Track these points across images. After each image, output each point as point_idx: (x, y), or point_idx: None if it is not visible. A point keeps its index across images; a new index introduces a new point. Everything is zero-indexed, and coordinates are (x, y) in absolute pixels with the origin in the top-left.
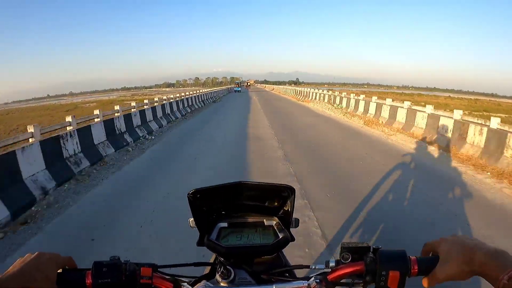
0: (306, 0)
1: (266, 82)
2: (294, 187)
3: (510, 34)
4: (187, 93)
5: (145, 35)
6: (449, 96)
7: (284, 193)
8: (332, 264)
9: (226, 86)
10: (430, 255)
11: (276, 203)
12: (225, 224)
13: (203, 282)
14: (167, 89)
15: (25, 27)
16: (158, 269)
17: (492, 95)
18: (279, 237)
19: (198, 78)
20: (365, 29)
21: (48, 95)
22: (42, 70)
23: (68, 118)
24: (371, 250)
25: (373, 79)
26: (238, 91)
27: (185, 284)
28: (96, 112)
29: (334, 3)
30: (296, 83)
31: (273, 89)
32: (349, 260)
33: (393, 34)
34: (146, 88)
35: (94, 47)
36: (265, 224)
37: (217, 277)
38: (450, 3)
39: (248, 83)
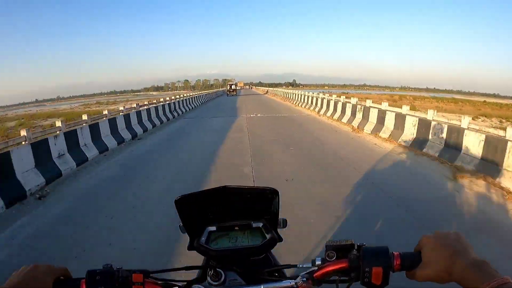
0: (302, 2)
1: (260, 84)
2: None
3: (511, 33)
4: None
5: (137, 38)
6: (484, 101)
7: (268, 195)
8: (318, 262)
9: (217, 89)
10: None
11: (262, 205)
12: (213, 228)
13: (195, 285)
14: (154, 93)
15: (16, 30)
16: (150, 275)
17: (494, 95)
18: (266, 238)
19: (187, 81)
20: (363, 30)
21: (36, 99)
22: (34, 74)
23: None
24: (355, 247)
25: (370, 80)
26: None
27: None
28: None
29: (330, 4)
30: (293, 85)
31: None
32: (334, 258)
33: (391, 35)
34: (134, 91)
35: (86, 50)
36: (253, 226)
37: (208, 279)
38: (450, 3)
39: (233, 86)
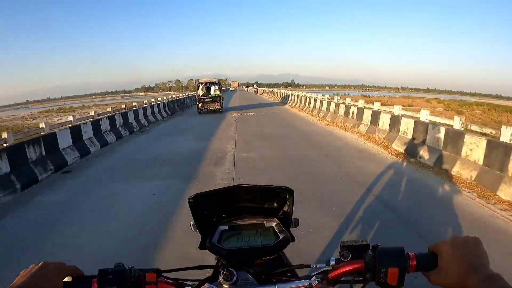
0: (298, 2)
1: (258, 84)
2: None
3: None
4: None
5: (133, 38)
6: None
7: (282, 194)
8: (332, 262)
9: None
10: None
11: (275, 204)
12: (226, 227)
13: (206, 285)
14: (143, 93)
15: (10, 30)
16: (162, 274)
17: (497, 96)
18: (279, 237)
19: (179, 81)
20: (359, 29)
21: (27, 100)
22: (28, 74)
23: None
24: (370, 247)
25: (368, 81)
26: None
27: (189, 287)
28: None
29: (327, 4)
30: (292, 85)
31: None
32: (349, 258)
33: (391, 35)
34: (125, 92)
35: (81, 51)
36: (266, 225)
37: (220, 279)
38: (453, 3)
39: (212, 89)
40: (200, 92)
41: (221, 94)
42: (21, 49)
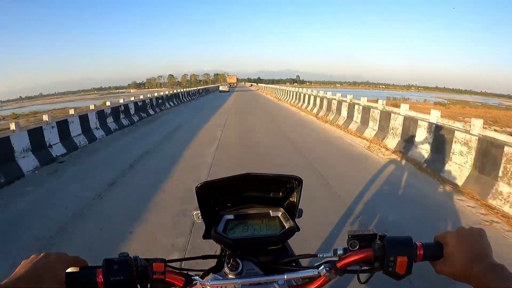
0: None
1: (260, 80)
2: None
3: None
4: None
5: (130, 34)
6: None
7: (290, 184)
8: (340, 252)
9: (203, 86)
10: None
11: (281, 194)
12: (231, 216)
13: (211, 275)
14: (132, 90)
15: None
16: (167, 264)
17: (510, 96)
18: (285, 227)
19: (172, 76)
20: (364, 25)
21: (20, 96)
22: (18, 70)
23: None
24: (378, 237)
25: (374, 78)
26: None
27: (196, 277)
28: None
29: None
30: (298, 82)
31: None
32: (357, 247)
33: (395, 32)
34: (117, 88)
35: (79, 46)
36: (271, 215)
37: (225, 269)
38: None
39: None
40: None
41: None
42: (11, 45)
